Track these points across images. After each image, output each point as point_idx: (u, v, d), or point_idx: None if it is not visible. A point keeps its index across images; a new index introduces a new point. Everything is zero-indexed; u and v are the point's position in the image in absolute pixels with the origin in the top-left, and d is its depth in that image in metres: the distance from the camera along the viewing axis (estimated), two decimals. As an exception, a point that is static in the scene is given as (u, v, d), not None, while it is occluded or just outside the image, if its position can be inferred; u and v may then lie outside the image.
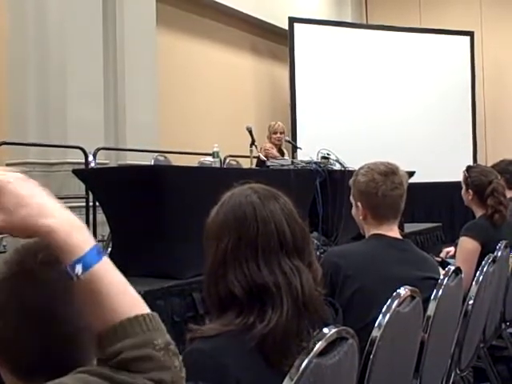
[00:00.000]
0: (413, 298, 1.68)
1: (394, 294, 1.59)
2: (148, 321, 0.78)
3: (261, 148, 5.90)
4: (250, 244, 1.27)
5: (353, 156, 4.62)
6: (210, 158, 4.65)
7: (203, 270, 1.32)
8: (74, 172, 3.69)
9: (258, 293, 1.23)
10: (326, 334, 1.16)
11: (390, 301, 1.56)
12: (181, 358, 0.80)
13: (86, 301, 0.78)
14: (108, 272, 0.79)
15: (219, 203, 1.35)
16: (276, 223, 1.29)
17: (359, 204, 2.18)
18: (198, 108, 8.06)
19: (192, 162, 5.68)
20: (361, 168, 2.22)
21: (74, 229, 0.79)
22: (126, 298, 0.79)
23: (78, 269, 0.77)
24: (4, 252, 4.89)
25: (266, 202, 1.31)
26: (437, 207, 9.12)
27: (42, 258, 0.92)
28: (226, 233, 1.29)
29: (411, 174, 4.68)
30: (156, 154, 5.69)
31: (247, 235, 1.27)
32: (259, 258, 1.26)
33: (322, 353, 1.14)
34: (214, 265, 1.29)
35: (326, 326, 1.22)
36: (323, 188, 4.52)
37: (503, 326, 3.11)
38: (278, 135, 6.46)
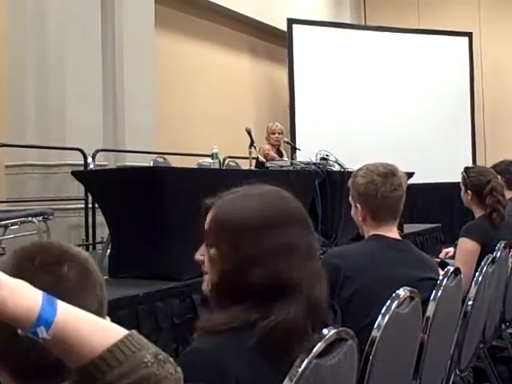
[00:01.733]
0: (412, 298, 1.67)
1: (394, 294, 1.59)
2: (129, 343, 0.74)
3: (259, 149, 5.91)
4: (280, 244, 1.23)
5: (352, 157, 4.63)
6: (209, 160, 4.66)
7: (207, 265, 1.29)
8: (73, 174, 3.69)
9: (276, 290, 1.20)
10: (325, 335, 1.16)
11: (389, 302, 1.56)
12: (171, 359, 0.78)
13: (60, 351, 0.74)
14: (68, 313, 0.74)
15: (232, 199, 1.29)
16: (303, 225, 1.27)
17: (358, 205, 2.18)
18: (197, 109, 8.06)
19: (191, 163, 5.69)
20: (360, 169, 2.21)
21: (14, 286, 0.71)
22: (98, 330, 0.74)
23: (42, 332, 0.71)
24: (3, 254, 4.88)
25: (291, 202, 1.29)
26: (436, 208, 9.13)
27: (40, 261, 0.91)
28: (250, 232, 1.23)
29: (410, 174, 4.68)
30: (155, 155, 5.68)
31: (277, 235, 1.23)
32: (286, 257, 1.22)
33: (322, 354, 1.14)
34: (234, 263, 1.23)
35: (326, 326, 1.21)
36: (322, 189, 4.53)
37: (503, 326, 3.11)
38: (277, 135, 6.46)
